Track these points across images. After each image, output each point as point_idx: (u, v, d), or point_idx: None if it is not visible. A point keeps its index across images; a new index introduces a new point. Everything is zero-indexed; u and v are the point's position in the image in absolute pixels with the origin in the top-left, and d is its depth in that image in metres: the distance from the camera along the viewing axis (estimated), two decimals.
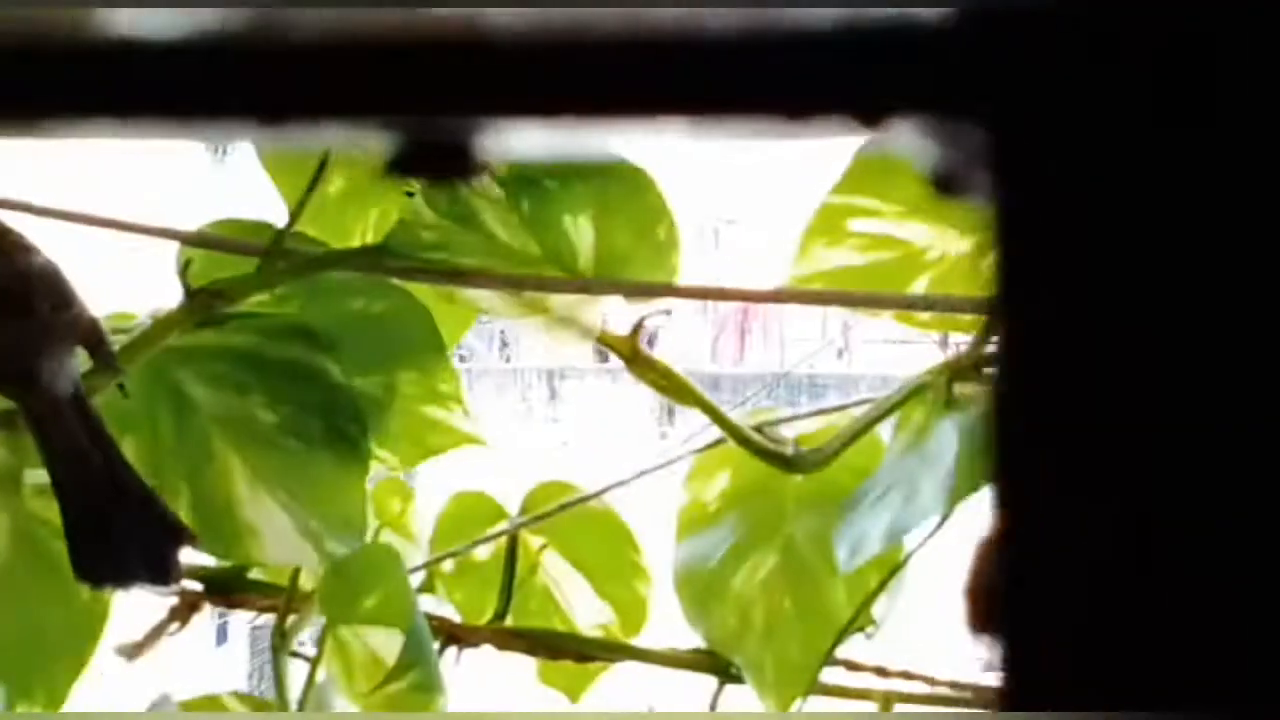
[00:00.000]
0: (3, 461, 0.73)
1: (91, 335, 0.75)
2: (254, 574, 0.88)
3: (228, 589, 0.88)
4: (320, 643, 0.79)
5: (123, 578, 0.71)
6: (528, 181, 0.77)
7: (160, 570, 0.72)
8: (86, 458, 0.72)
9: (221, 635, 5.30)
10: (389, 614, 0.78)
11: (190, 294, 0.79)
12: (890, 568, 0.79)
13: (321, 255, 0.81)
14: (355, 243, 0.88)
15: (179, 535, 0.73)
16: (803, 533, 0.82)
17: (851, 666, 0.82)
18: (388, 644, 0.79)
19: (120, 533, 0.72)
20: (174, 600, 0.90)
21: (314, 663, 0.78)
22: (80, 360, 0.76)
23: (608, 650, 0.83)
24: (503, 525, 0.87)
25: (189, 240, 0.83)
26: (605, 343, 0.81)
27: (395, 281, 0.83)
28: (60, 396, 0.72)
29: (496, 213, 0.77)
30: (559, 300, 0.81)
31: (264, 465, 0.83)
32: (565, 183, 0.78)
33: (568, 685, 0.89)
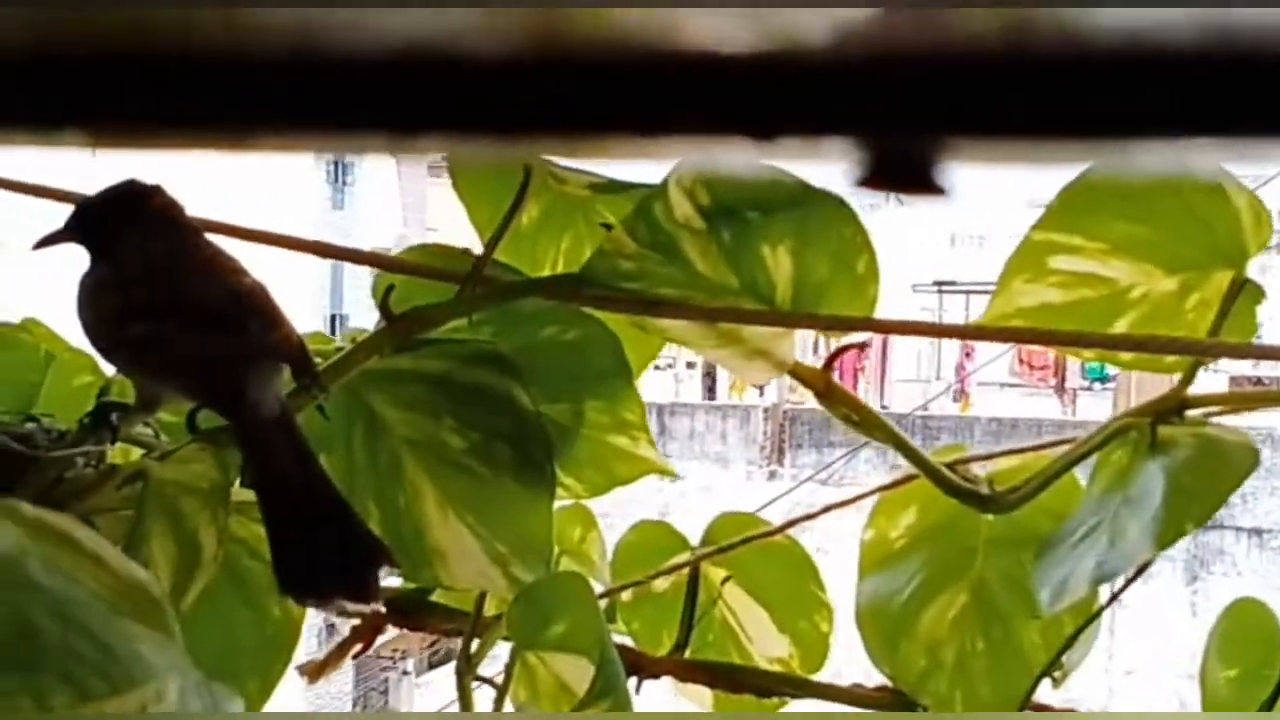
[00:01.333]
0: (211, 479, 0.75)
1: (299, 355, 0.76)
2: (434, 597, 0.89)
3: (409, 611, 0.89)
4: (508, 668, 0.79)
5: (324, 594, 0.72)
6: (729, 212, 0.78)
7: (360, 588, 0.73)
8: (291, 476, 0.73)
9: None
10: (578, 642, 0.78)
11: (390, 319, 0.80)
12: (1086, 611, 0.77)
13: (520, 282, 0.82)
14: (545, 271, 0.89)
15: (378, 555, 0.74)
16: (994, 572, 0.80)
17: (1038, 708, 0.80)
18: (576, 671, 0.79)
19: (322, 550, 0.73)
20: (355, 621, 0.91)
21: (502, 688, 0.78)
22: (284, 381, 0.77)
23: (791, 686, 0.82)
24: (684, 556, 0.87)
25: (387, 266, 0.84)
26: (799, 376, 0.80)
27: (587, 310, 0.84)
28: (268, 415, 0.74)
29: (697, 243, 0.77)
30: (753, 332, 0.80)
31: (453, 489, 0.84)
32: (766, 214, 0.78)
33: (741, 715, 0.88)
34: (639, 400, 0.86)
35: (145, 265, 0.76)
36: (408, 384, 0.85)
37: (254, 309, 0.76)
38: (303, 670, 0.90)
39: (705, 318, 0.80)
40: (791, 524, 0.85)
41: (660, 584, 0.89)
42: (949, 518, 0.82)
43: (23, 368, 0.89)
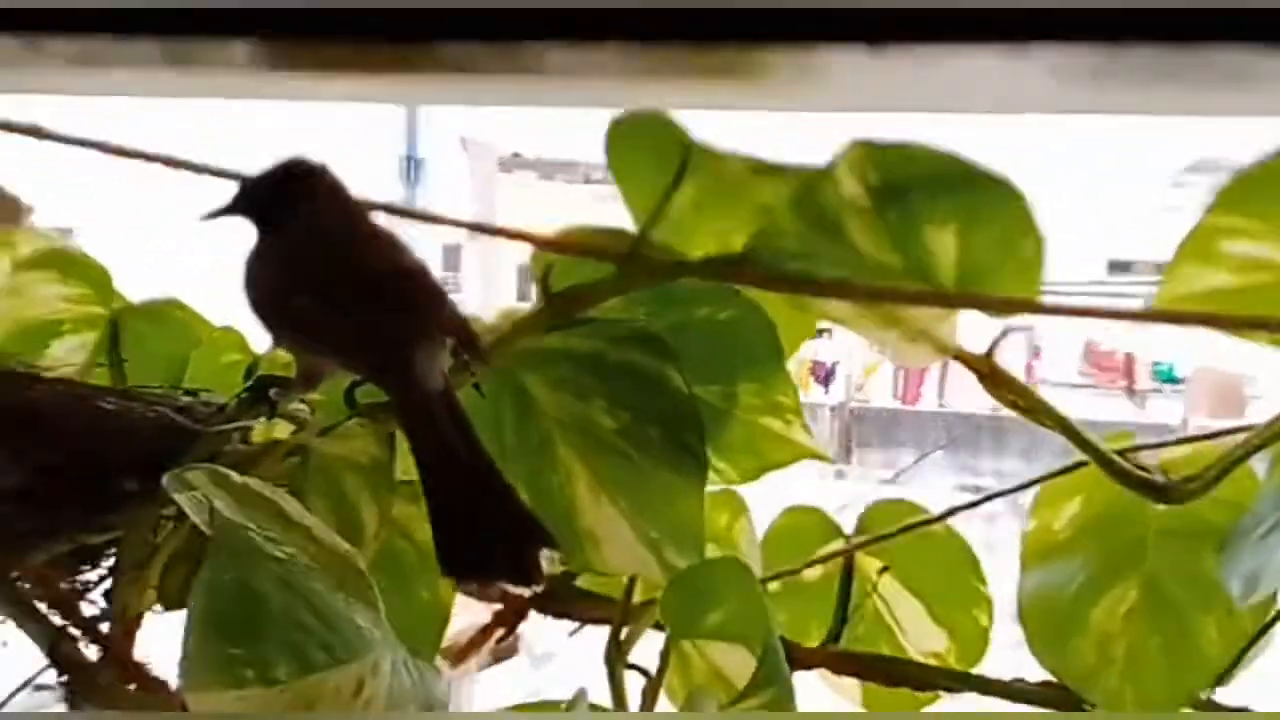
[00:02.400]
0: (373, 455, 0.74)
1: (463, 331, 0.75)
2: (579, 582, 0.88)
3: (554, 597, 0.88)
4: (663, 656, 0.78)
5: (486, 574, 0.71)
6: (896, 192, 0.75)
7: (521, 570, 0.71)
8: (454, 453, 0.72)
9: None
10: (738, 630, 0.77)
11: (550, 298, 0.79)
12: (1266, 608, 0.74)
13: (681, 262, 0.80)
14: (699, 251, 0.87)
15: (540, 537, 0.72)
16: (1167, 565, 0.78)
17: (1211, 707, 0.78)
18: (733, 660, 0.77)
19: (484, 530, 0.71)
20: (498, 607, 0.90)
21: (657, 675, 0.77)
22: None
23: (950, 680, 0.80)
24: (838, 545, 0.85)
25: (545, 245, 0.83)
26: (962, 359, 0.78)
27: (742, 291, 0.82)
28: (432, 391, 0.73)
29: (862, 223, 0.75)
30: (916, 314, 0.78)
31: (605, 471, 0.82)
32: (932, 194, 0.75)
33: (892, 709, 0.86)
34: (792, 383, 0.84)
35: (314, 240, 0.75)
36: (558, 363, 0.83)
37: (421, 284, 0.76)
38: (445, 655, 0.88)
39: (869, 298, 0.78)
40: (951, 513, 0.83)
41: (810, 573, 0.87)
42: (1116, 508, 0.80)
43: (174, 343, 0.89)
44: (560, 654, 0.95)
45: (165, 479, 0.54)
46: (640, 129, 0.86)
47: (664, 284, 0.81)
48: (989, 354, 0.78)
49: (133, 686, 0.64)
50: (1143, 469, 0.77)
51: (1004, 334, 0.79)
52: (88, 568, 0.77)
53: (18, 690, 0.89)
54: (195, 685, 0.43)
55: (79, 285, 0.89)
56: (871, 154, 0.75)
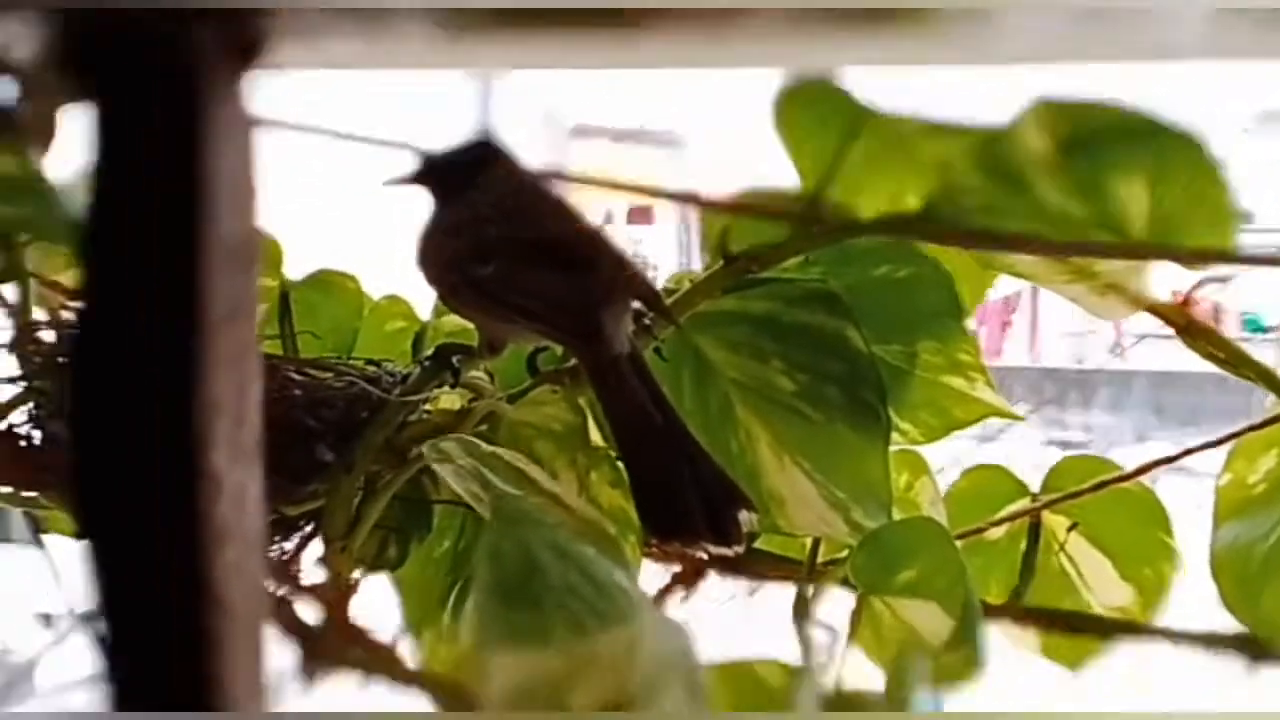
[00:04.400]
0: (565, 421, 0.74)
1: (648, 293, 0.75)
2: (758, 543, 0.87)
3: (737, 557, 0.87)
4: (855, 613, 0.77)
5: (689, 536, 0.71)
6: (1083, 145, 0.74)
7: (722, 530, 0.71)
8: (648, 415, 0.72)
9: None
10: (930, 588, 0.76)
11: (728, 259, 0.78)
12: None
13: (858, 220, 0.79)
14: (869, 208, 0.86)
15: (737, 497, 0.72)
16: None
17: None
18: (925, 617, 0.77)
19: (684, 491, 0.71)
20: (678, 567, 0.90)
21: (849, 633, 0.76)
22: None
23: (1138, 632, 0.79)
24: (1024, 503, 0.84)
25: (718, 206, 0.82)
26: (1156, 311, 0.77)
27: (921, 247, 0.81)
28: (620, 353, 0.73)
29: (1048, 176, 0.74)
30: (1108, 266, 0.77)
31: (785, 433, 0.82)
32: (1121, 144, 0.74)
33: (1069, 657, 0.85)
34: (973, 340, 0.84)
35: (497, 208, 0.76)
36: (735, 325, 0.83)
37: (604, 248, 0.75)
38: None
39: (1059, 251, 0.77)
40: (1144, 469, 0.82)
41: (992, 531, 0.86)
42: None
43: (345, 313, 0.89)
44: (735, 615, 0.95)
45: (425, 449, 0.54)
46: (808, 93, 0.85)
47: (840, 243, 0.81)
48: (1185, 304, 0.77)
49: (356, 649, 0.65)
50: None
51: (1200, 284, 0.78)
52: (280, 538, 0.77)
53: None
54: (481, 651, 0.44)
55: None
56: (1057, 106, 0.74)
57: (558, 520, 0.46)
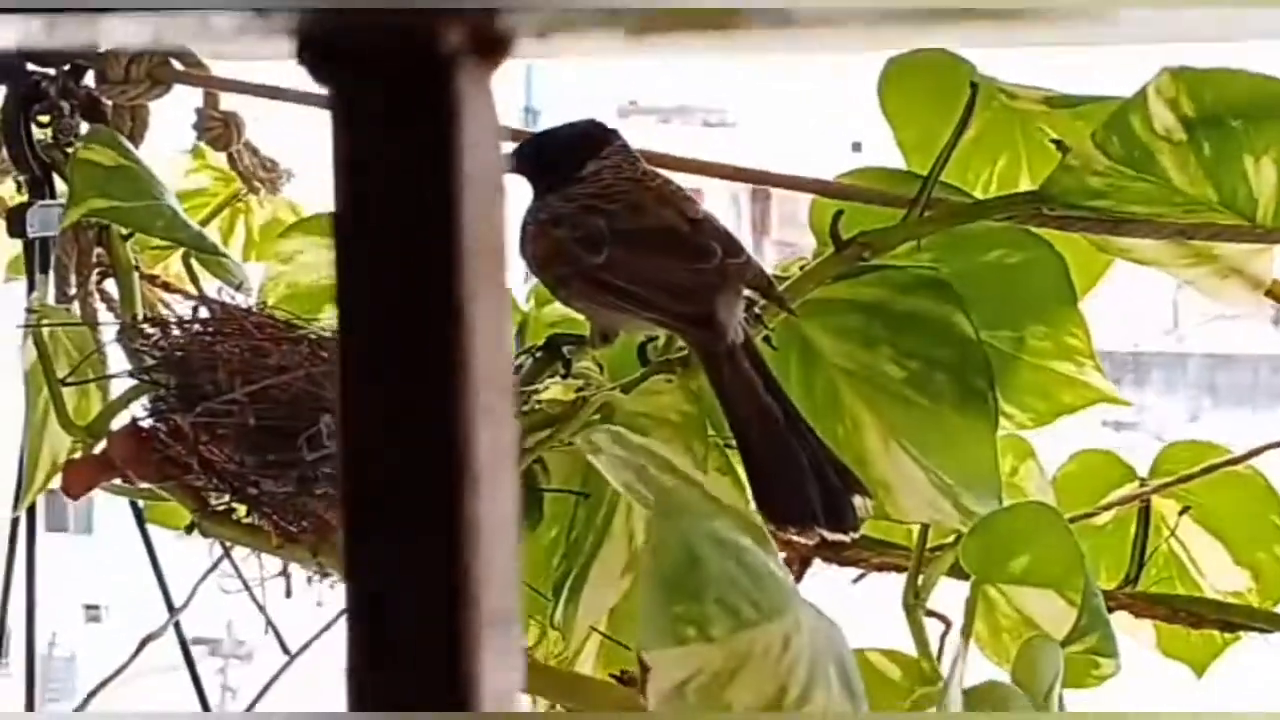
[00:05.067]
0: (682, 410, 0.73)
1: (762, 280, 0.75)
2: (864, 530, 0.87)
3: (841, 544, 0.87)
4: (970, 602, 0.76)
5: (805, 521, 0.70)
6: (1212, 121, 0.73)
7: (838, 516, 0.71)
8: (763, 403, 0.71)
9: None
10: (1046, 574, 0.75)
11: (840, 245, 0.78)
12: None
13: (974, 204, 0.78)
14: (980, 191, 0.85)
15: (852, 483, 0.72)
16: None
17: None
18: (1042, 605, 0.76)
19: (801, 477, 0.70)
20: (782, 555, 0.89)
21: (965, 622, 0.76)
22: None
23: (1263, 620, 0.78)
24: (1133, 488, 0.83)
25: (826, 191, 0.81)
26: (1275, 295, 0.75)
27: (1035, 231, 0.80)
28: (735, 341, 0.72)
29: (1175, 156, 0.73)
30: (1229, 249, 0.76)
31: (893, 420, 0.81)
32: (1251, 122, 0.73)
33: (1192, 656, 0.84)
34: (1084, 325, 0.83)
35: (606, 196, 0.75)
36: (842, 312, 0.82)
37: (717, 235, 0.75)
38: None
39: (1177, 235, 0.76)
40: (1255, 452, 0.81)
41: (1101, 516, 0.85)
42: None
43: None
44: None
45: (579, 442, 0.54)
46: (920, 67, 0.84)
47: (957, 227, 0.80)
48: None
49: None
50: None
51: None
52: None
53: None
54: (647, 644, 0.44)
55: None
56: (1185, 81, 0.72)
57: (712, 511, 0.46)
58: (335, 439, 0.26)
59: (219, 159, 1.05)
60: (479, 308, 0.25)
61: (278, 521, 0.73)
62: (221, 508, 0.77)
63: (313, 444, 0.71)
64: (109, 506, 1.01)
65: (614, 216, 0.75)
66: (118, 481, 0.82)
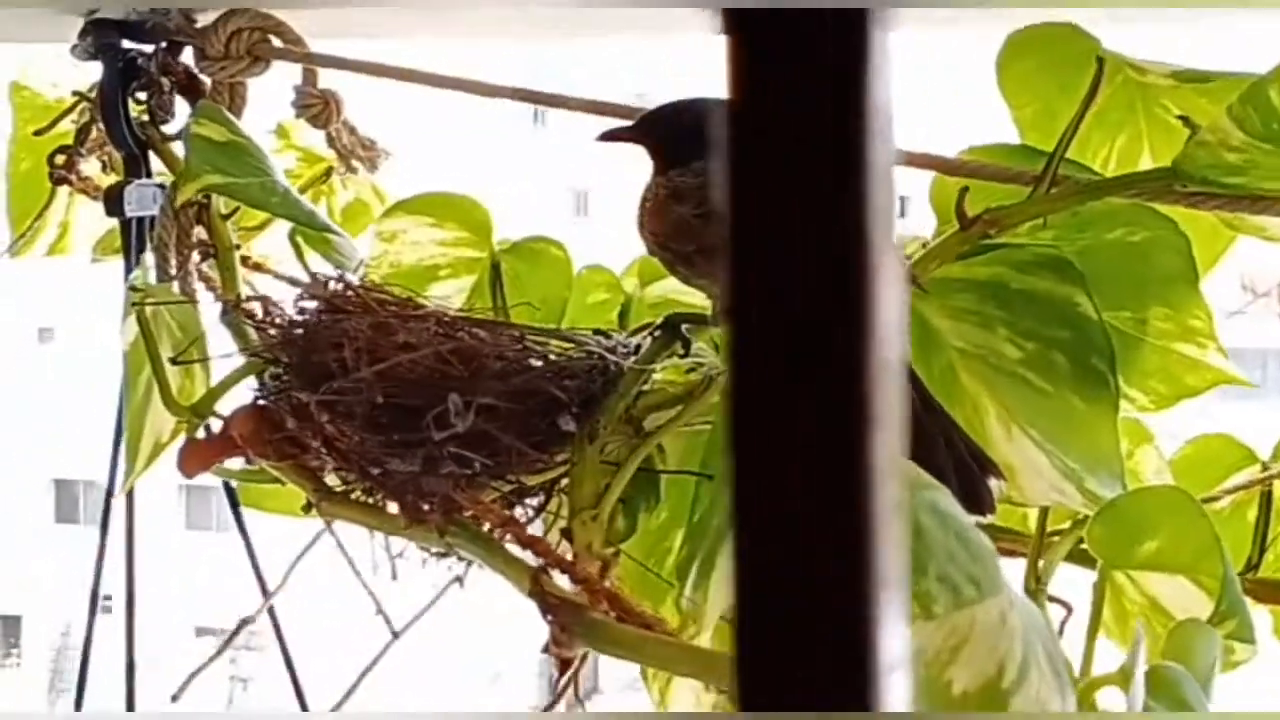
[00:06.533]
0: None
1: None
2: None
3: None
4: (1098, 588, 0.75)
5: None
6: None
7: (975, 500, 0.69)
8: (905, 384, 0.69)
9: None
10: (1177, 559, 0.74)
11: (965, 223, 0.76)
12: None
13: (1103, 180, 0.77)
14: (1102, 168, 0.83)
15: (988, 465, 0.70)
16: None
17: None
18: (1171, 591, 0.74)
19: (938, 461, 0.69)
20: None
21: (1094, 608, 0.74)
22: None
23: None
24: (1254, 471, 0.81)
25: (946, 168, 0.80)
26: None
27: (1159, 209, 0.78)
28: None
29: None
30: None
31: (1012, 402, 0.80)
32: None
33: None
34: (1207, 305, 0.81)
35: None
36: (959, 292, 0.81)
37: None
38: None
39: None
40: None
41: (1220, 500, 0.84)
42: None
43: (550, 283, 0.87)
44: None
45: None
46: (1041, 41, 0.83)
47: (1083, 205, 0.78)
48: None
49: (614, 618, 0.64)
50: None
51: None
52: (513, 508, 0.76)
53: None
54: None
55: (456, 229, 0.88)
56: None
57: (926, 480, 0.45)
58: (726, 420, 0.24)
59: (304, 139, 1.04)
60: (882, 292, 0.24)
61: (407, 502, 0.72)
62: (339, 488, 0.76)
63: (440, 422, 0.69)
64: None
65: None
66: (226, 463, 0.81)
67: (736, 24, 0.23)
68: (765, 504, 0.24)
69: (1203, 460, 0.85)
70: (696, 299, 0.85)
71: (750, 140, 0.23)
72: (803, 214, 0.23)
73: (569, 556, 0.71)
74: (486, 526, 0.70)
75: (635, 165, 0.80)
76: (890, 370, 0.24)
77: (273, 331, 0.76)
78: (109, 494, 0.94)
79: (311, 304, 0.75)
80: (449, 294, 0.87)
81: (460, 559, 0.75)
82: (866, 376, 0.24)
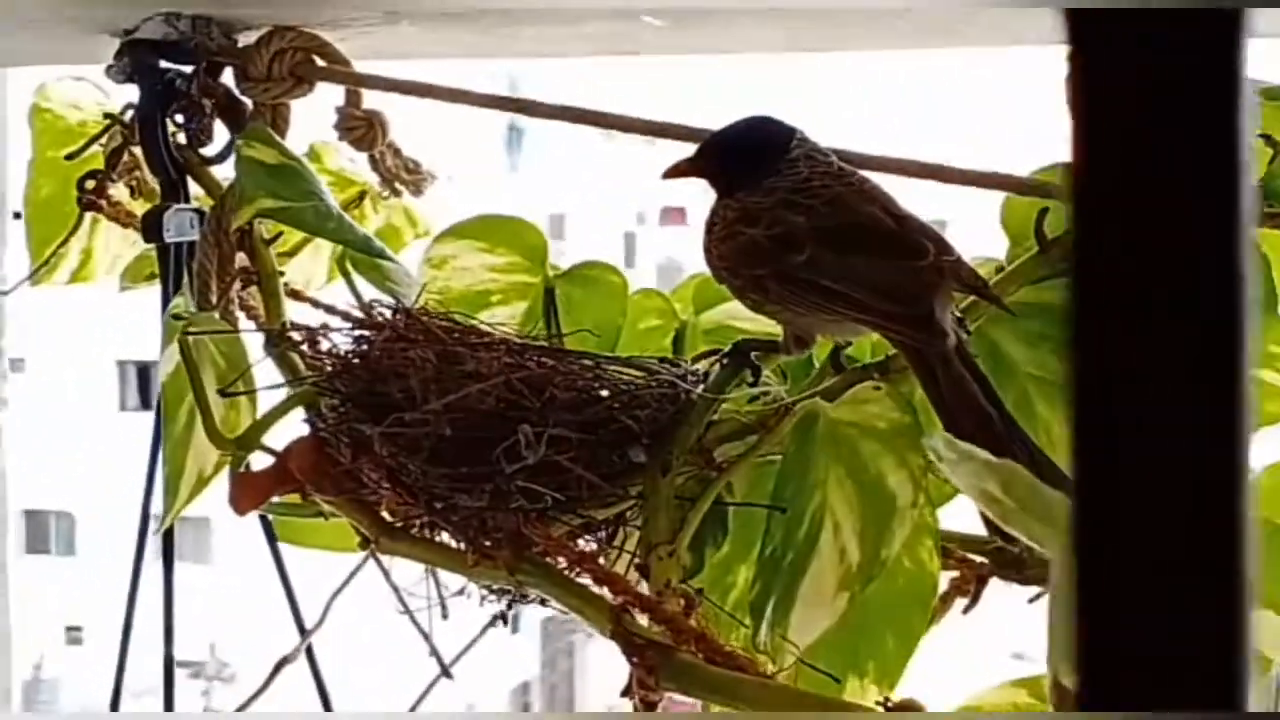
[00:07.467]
0: (891, 419, 0.69)
1: (973, 279, 0.71)
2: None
3: (1019, 564, 0.83)
4: None
5: None
6: None
7: None
8: (982, 409, 0.67)
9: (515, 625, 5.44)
10: (1267, 593, 0.71)
11: (1046, 245, 0.74)
12: None
13: None
14: None
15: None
16: None
17: None
18: (1268, 625, 0.71)
19: None
20: (955, 574, 0.85)
21: None
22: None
23: None
24: None
25: (1019, 188, 0.78)
26: None
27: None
28: (949, 343, 0.68)
29: None
30: None
31: None
32: None
33: None
34: None
35: (803, 193, 0.71)
36: (1029, 318, 0.79)
37: (925, 231, 0.71)
38: None
39: None
40: None
41: None
42: None
43: (610, 309, 0.85)
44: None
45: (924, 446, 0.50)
46: None
47: None
48: None
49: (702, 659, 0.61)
50: None
51: None
52: (576, 541, 0.73)
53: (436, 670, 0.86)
54: (1055, 669, 0.41)
55: (508, 253, 0.85)
56: None
57: None
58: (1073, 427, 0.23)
59: (338, 161, 1.02)
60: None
61: (473, 538, 0.68)
62: (399, 524, 0.73)
63: (510, 455, 0.67)
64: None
65: (814, 213, 0.71)
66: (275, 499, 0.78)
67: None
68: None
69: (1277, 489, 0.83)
70: (754, 324, 0.82)
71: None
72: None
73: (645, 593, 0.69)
74: (560, 562, 0.67)
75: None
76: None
77: (328, 361, 0.73)
78: (144, 527, 0.90)
79: (369, 332, 0.72)
80: (501, 320, 0.84)
81: (523, 599, 0.72)
82: (1243, 386, 0.23)
